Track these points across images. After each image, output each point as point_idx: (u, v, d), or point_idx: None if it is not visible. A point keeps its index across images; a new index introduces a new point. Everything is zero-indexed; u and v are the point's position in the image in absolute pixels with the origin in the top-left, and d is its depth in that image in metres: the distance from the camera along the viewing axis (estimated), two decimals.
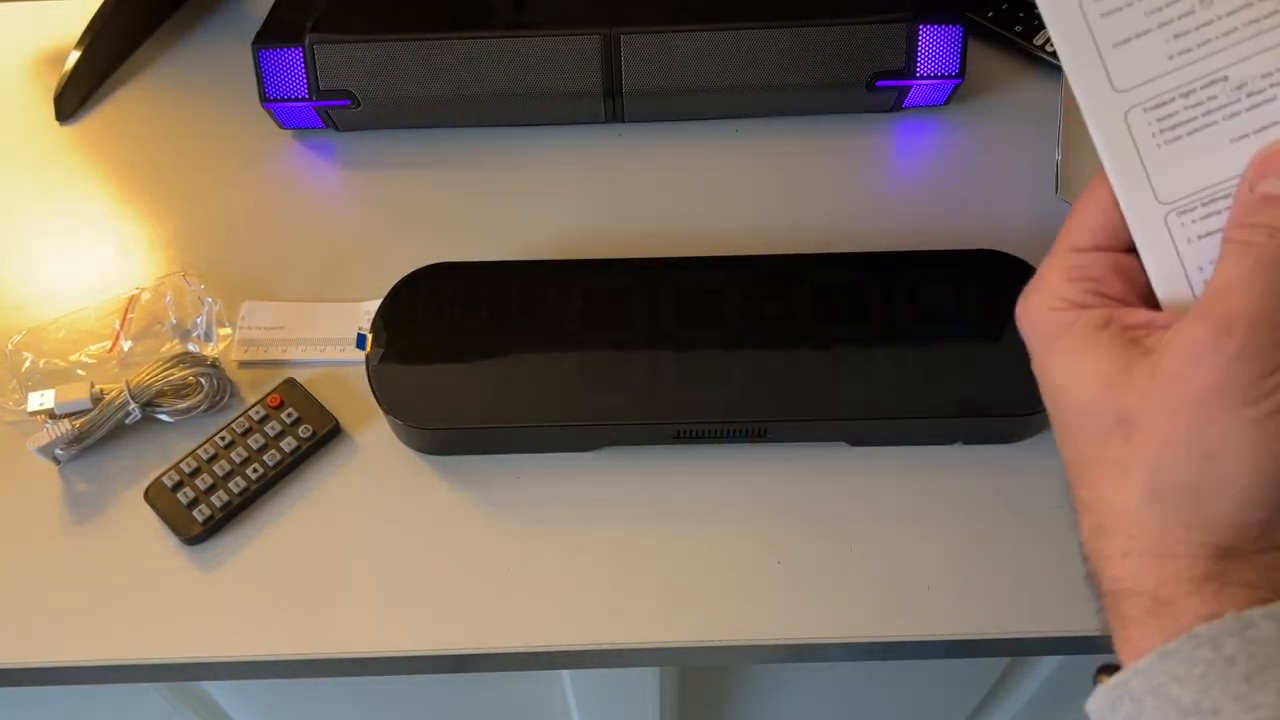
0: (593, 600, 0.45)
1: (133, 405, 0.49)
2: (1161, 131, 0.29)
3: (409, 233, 0.58)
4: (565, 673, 0.60)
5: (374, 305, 0.51)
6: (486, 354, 0.49)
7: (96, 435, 0.49)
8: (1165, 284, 0.30)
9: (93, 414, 0.49)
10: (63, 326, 0.54)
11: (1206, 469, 0.27)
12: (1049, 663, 0.62)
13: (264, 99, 0.60)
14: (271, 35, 0.60)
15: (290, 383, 0.51)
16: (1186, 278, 0.30)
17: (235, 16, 0.70)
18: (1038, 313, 0.31)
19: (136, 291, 0.55)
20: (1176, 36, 0.29)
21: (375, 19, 0.59)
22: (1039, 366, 0.31)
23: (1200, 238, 0.30)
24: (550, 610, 0.45)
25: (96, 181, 0.62)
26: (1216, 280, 0.28)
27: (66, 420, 0.49)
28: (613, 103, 0.60)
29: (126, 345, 0.53)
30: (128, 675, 0.46)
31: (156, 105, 0.66)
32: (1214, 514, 0.27)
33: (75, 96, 0.66)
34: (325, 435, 0.50)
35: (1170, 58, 0.29)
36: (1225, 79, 0.29)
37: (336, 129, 0.63)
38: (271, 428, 0.49)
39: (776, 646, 0.45)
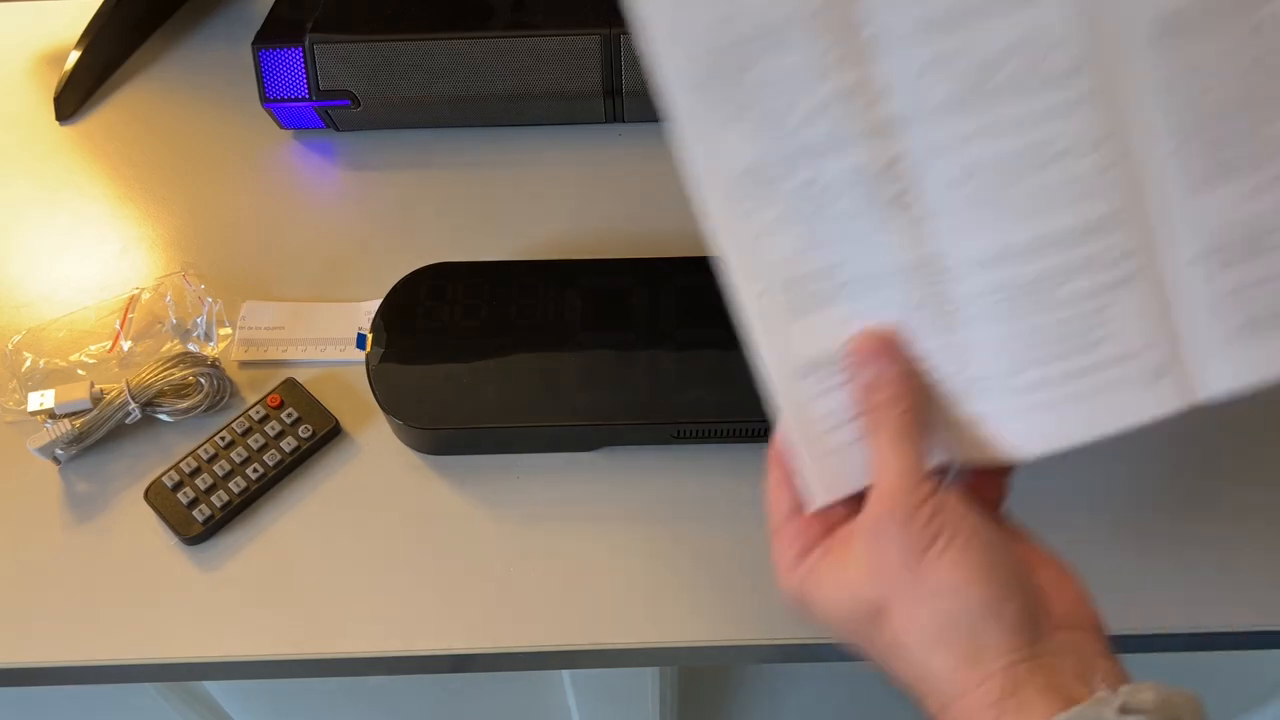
0: (593, 600, 0.45)
1: (133, 405, 0.49)
2: (794, 304, 0.34)
3: (409, 233, 0.58)
4: (565, 673, 0.60)
5: (374, 305, 0.51)
6: (486, 354, 0.49)
7: (97, 435, 0.49)
8: (794, 437, 0.35)
9: (93, 414, 0.49)
10: (63, 326, 0.54)
11: (944, 609, 0.31)
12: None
13: (264, 99, 0.60)
14: (271, 35, 0.60)
15: (290, 383, 0.51)
16: (810, 429, 0.35)
17: (235, 17, 0.70)
18: (785, 581, 0.36)
19: (137, 291, 0.55)
20: (807, 229, 0.33)
21: (375, 19, 0.59)
22: (816, 618, 0.35)
23: (816, 397, 0.35)
24: (550, 610, 0.45)
25: (96, 181, 0.62)
26: (873, 460, 0.33)
27: (67, 420, 0.49)
28: (613, 103, 0.60)
29: (126, 345, 0.53)
30: (128, 675, 0.46)
31: (156, 105, 0.66)
32: (981, 640, 0.31)
33: (75, 96, 0.66)
34: (325, 435, 0.50)
35: (802, 246, 0.33)
36: (844, 269, 0.34)
37: (336, 129, 0.63)
38: (272, 428, 0.49)
39: (776, 646, 0.45)
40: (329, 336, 0.53)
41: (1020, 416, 0.34)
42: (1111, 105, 0.31)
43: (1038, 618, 0.32)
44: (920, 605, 0.32)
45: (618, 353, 0.48)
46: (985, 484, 0.36)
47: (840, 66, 0.31)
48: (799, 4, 0.31)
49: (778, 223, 0.33)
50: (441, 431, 0.48)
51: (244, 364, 0.53)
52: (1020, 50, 0.30)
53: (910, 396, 0.34)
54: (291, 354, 0.53)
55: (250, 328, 0.54)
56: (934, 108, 0.32)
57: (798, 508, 0.36)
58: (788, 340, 0.34)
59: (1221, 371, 0.33)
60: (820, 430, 0.35)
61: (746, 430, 0.47)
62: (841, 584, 0.33)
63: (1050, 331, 0.33)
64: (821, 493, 0.35)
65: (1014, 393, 0.34)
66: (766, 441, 0.47)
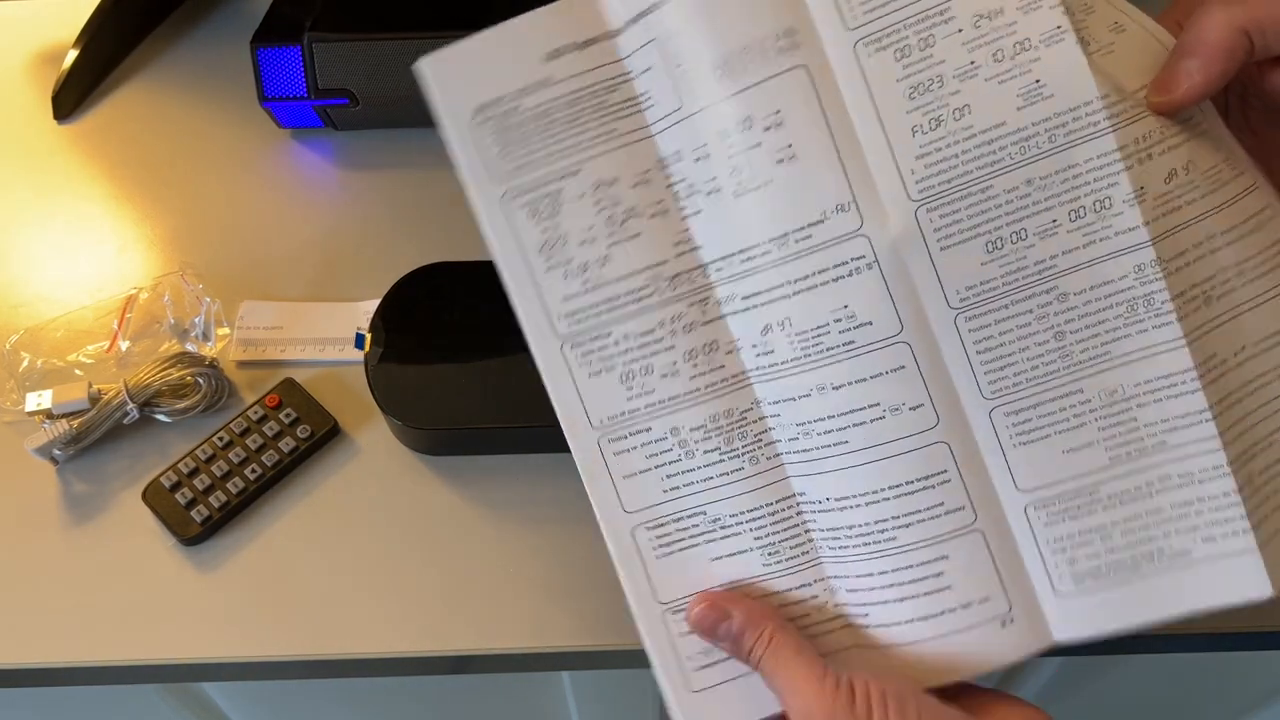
0: (593, 600, 0.45)
1: (131, 405, 0.49)
2: (658, 546, 0.36)
3: (408, 232, 0.58)
4: (565, 674, 0.60)
5: (373, 305, 0.51)
6: (485, 354, 0.48)
7: (94, 435, 0.49)
8: (662, 673, 0.36)
9: (91, 414, 0.49)
10: (61, 326, 0.54)
11: None
12: (1050, 663, 0.62)
13: (263, 98, 0.60)
14: (270, 34, 0.59)
15: (289, 383, 0.51)
16: (680, 666, 0.36)
17: (234, 15, 0.70)
18: None
19: (135, 291, 0.55)
20: (668, 476, 0.36)
21: (374, 18, 0.59)
22: None
23: (684, 635, 0.36)
24: (550, 610, 0.45)
25: (95, 181, 0.62)
26: (781, 689, 0.34)
27: (64, 420, 0.49)
28: None
29: (124, 345, 0.53)
30: (127, 675, 0.46)
31: (155, 104, 0.66)
32: None
33: (73, 95, 0.65)
34: (324, 435, 0.49)
35: (664, 491, 0.36)
36: (704, 513, 0.36)
37: (335, 128, 0.62)
38: (270, 428, 0.49)
39: None
40: (327, 336, 0.53)
41: (903, 648, 0.35)
42: (933, 370, 0.34)
43: None
44: None
45: None
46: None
47: (692, 330, 0.35)
48: (653, 275, 0.35)
49: (640, 470, 0.36)
50: (440, 431, 0.48)
51: (242, 364, 0.53)
52: (843, 320, 0.34)
53: (779, 618, 0.35)
54: (290, 354, 0.53)
55: (248, 327, 0.54)
56: (772, 366, 0.35)
57: None
58: (652, 579, 0.36)
59: (1067, 620, 0.35)
60: (691, 668, 0.36)
61: None
62: None
63: (901, 574, 0.35)
64: None
65: (882, 627, 0.35)
66: None
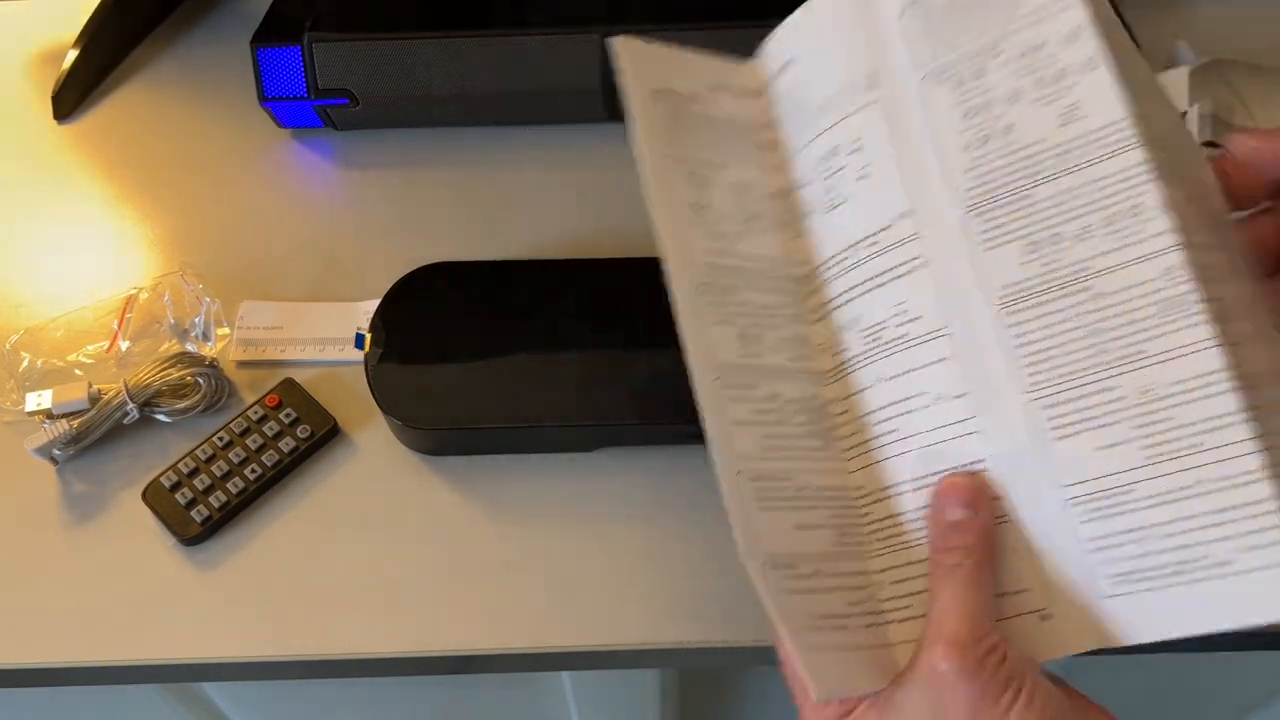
0: (593, 600, 0.45)
1: (131, 405, 0.49)
2: (758, 498, 0.37)
3: (408, 232, 0.58)
4: (565, 674, 0.60)
5: (373, 305, 0.51)
6: (485, 354, 0.48)
7: (94, 435, 0.49)
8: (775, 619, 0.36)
9: (91, 414, 0.49)
10: (60, 326, 0.54)
11: None
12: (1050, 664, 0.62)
13: (263, 98, 0.60)
14: (270, 34, 0.59)
15: (289, 383, 0.51)
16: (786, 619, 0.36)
17: (234, 15, 0.70)
18: None
19: (134, 291, 0.55)
20: (767, 436, 0.38)
21: (374, 18, 0.59)
22: None
23: (789, 592, 0.36)
24: (550, 610, 0.45)
25: (94, 181, 0.62)
26: (936, 605, 0.34)
27: (64, 420, 0.49)
28: (613, 102, 0.60)
29: (124, 345, 0.53)
30: (127, 675, 0.46)
31: (155, 104, 0.66)
32: None
33: (73, 95, 0.65)
34: (324, 435, 0.49)
35: (763, 449, 0.38)
36: (790, 480, 0.38)
37: (335, 128, 0.62)
38: (270, 428, 0.49)
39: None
40: (327, 336, 0.53)
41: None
42: (976, 362, 0.36)
43: None
44: None
45: (617, 352, 0.48)
46: None
47: (797, 320, 0.40)
48: (771, 264, 0.40)
49: (747, 422, 0.38)
50: (440, 432, 0.48)
51: (242, 364, 0.53)
52: (899, 315, 0.38)
53: (986, 549, 0.35)
54: (290, 354, 0.53)
55: (248, 327, 0.54)
56: (849, 360, 0.39)
57: None
58: (757, 528, 0.36)
59: (1106, 622, 0.34)
60: (801, 625, 0.36)
61: None
62: None
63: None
64: (817, 692, 0.35)
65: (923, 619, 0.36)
66: None
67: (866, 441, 0.38)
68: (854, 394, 0.39)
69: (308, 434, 0.49)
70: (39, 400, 0.49)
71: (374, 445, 0.50)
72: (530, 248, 0.57)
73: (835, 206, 0.40)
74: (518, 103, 0.60)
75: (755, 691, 0.69)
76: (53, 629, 0.45)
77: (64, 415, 0.49)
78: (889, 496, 0.38)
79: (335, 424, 0.50)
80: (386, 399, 0.47)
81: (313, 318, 0.54)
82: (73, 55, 0.65)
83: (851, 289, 0.39)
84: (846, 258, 0.39)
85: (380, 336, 0.49)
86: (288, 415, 0.50)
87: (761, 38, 0.58)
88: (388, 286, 0.51)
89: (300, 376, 0.51)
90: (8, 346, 0.53)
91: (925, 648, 0.33)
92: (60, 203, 0.61)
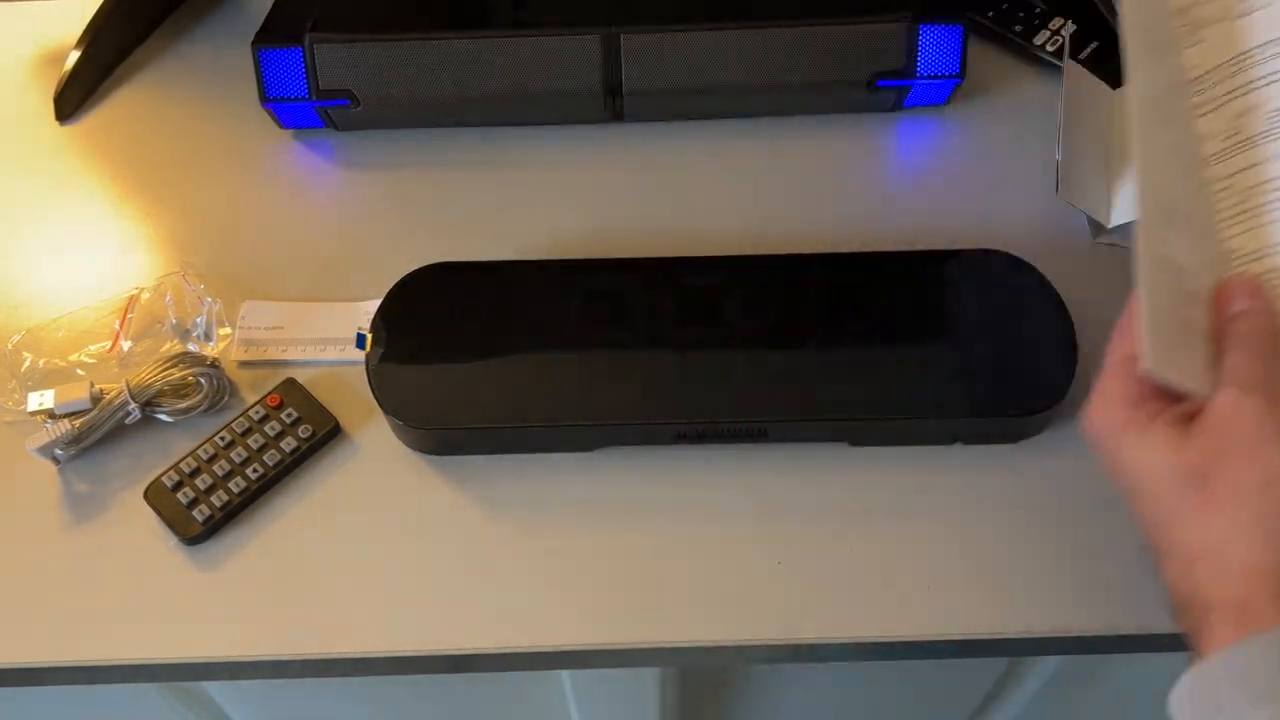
0: (593, 600, 0.45)
1: (132, 405, 0.49)
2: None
3: (409, 233, 0.58)
4: (565, 673, 0.60)
5: (374, 305, 0.51)
6: (487, 354, 0.49)
7: (96, 435, 0.49)
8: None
9: (92, 414, 0.49)
10: (62, 326, 0.54)
11: (1273, 497, 0.34)
12: (1049, 663, 0.62)
13: (264, 99, 0.60)
14: (271, 35, 0.60)
15: (290, 383, 0.51)
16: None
17: (235, 16, 0.70)
18: (1103, 414, 0.38)
19: (136, 291, 0.55)
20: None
21: (375, 19, 0.59)
22: (1111, 459, 0.38)
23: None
24: (550, 610, 0.45)
25: (96, 181, 0.62)
26: (1228, 363, 0.37)
27: (66, 420, 0.49)
28: (613, 102, 0.60)
29: (126, 345, 0.53)
30: (128, 675, 0.46)
31: (156, 105, 0.66)
32: None
33: (75, 96, 0.65)
34: (325, 435, 0.50)
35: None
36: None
37: (336, 129, 0.63)
38: (271, 428, 0.49)
39: (776, 646, 0.45)
40: (329, 336, 0.53)
41: None
42: None
43: None
44: (1250, 484, 0.34)
45: (618, 352, 0.48)
46: None
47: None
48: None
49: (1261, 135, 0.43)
50: (441, 431, 0.48)
51: (244, 364, 0.53)
52: None
53: (1270, 327, 0.37)
54: (291, 354, 0.53)
55: (250, 327, 0.54)
56: (1245, 139, 0.43)
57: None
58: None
59: None
60: (1161, 300, 0.38)
61: (747, 430, 0.47)
62: (1174, 448, 0.35)
63: None
64: (1151, 359, 0.37)
65: None
66: (767, 442, 0.47)
67: (1251, 209, 0.42)
68: (1244, 169, 0.43)
69: (309, 434, 0.49)
70: (41, 400, 0.49)
71: (375, 445, 0.50)
72: (530, 248, 0.57)
73: (1246, 15, 0.45)
74: (518, 103, 0.60)
75: (755, 691, 0.69)
76: (53, 629, 0.45)
77: (66, 415, 0.49)
78: (1266, 255, 0.41)
79: (336, 424, 0.50)
80: (387, 399, 0.48)
81: (314, 318, 0.54)
82: (74, 56, 0.65)
83: (1254, 81, 0.44)
84: (1253, 55, 0.44)
85: (381, 336, 0.49)
86: (289, 415, 0.50)
87: (763, 37, 0.58)
88: (388, 286, 0.51)
89: (301, 376, 0.51)
90: (9, 347, 0.53)
91: (1220, 390, 0.36)
92: (62, 203, 0.61)
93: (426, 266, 0.52)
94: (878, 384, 0.47)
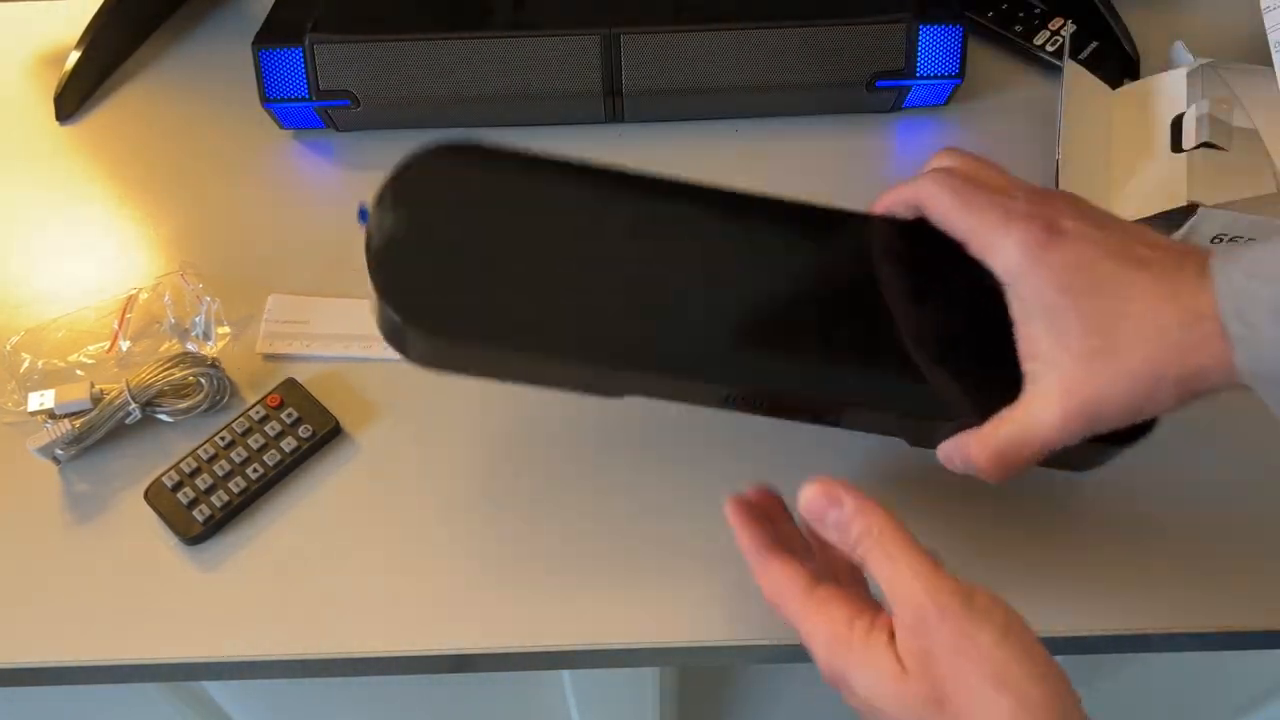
0: (593, 599, 0.45)
1: (133, 405, 0.49)
2: None
3: None
4: (565, 673, 0.60)
5: None
6: (510, 259, 0.39)
7: (96, 435, 0.49)
8: None
9: (92, 414, 0.49)
10: (61, 327, 0.54)
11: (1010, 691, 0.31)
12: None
13: (264, 99, 0.60)
14: (271, 35, 0.60)
15: (290, 383, 0.51)
16: None
17: (235, 16, 0.70)
18: (824, 632, 0.36)
19: (135, 291, 0.55)
20: None
21: (375, 19, 0.59)
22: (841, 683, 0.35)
23: None
24: (550, 610, 0.45)
25: (96, 181, 0.62)
26: (877, 578, 0.35)
27: (66, 420, 0.49)
28: (613, 103, 0.60)
29: (125, 345, 0.53)
30: (128, 675, 0.46)
31: (156, 105, 0.66)
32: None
33: (75, 96, 0.65)
34: (325, 435, 0.50)
35: None
36: None
37: (336, 129, 0.63)
38: (272, 428, 0.49)
39: (777, 647, 0.45)
40: (353, 333, 0.53)
41: None
42: None
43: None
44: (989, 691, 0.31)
45: (675, 285, 0.40)
46: None
47: None
48: None
49: None
50: (441, 340, 0.38)
51: (268, 356, 0.53)
52: None
53: (887, 514, 0.35)
54: (315, 348, 0.53)
55: (276, 321, 0.54)
56: None
57: (774, 542, 0.39)
58: None
59: None
60: None
61: (823, 409, 0.40)
62: (895, 676, 0.33)
63: None
64: None
65: None
66: (831, 426, 0.42)
67: None
68: None
69: (309, 434, 0.49)
70: (41, 400, 0.49)
71: (375, 445, 0.50)
72: None
73: None
74: (518, 103, 0.60)
75: (755, 691, 0.69)
76: (54, 628, 0.45)
77: (66, 415, 0.49)
78: None
79: (337, 424, 0.50)
80: (390, 289, 0.38)
81: (338, 313, 0.54)
82: (75, 56, 0.65)
83: None
84: None
85: (388, 216, 0.40)
86: (289, 415, 0.50)
87: (763, 38, 0.58)
88: None
89: (302, 376, 0.51)
90: (8, 347, 0.53)
91: (895, 608, 0.34)
92: (61, 203, 0.61)
93: (459, 144, 0.41)
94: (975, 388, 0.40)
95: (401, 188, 0.40)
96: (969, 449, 0.38)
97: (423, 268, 0.39)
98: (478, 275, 0.38)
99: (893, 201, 0.42)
